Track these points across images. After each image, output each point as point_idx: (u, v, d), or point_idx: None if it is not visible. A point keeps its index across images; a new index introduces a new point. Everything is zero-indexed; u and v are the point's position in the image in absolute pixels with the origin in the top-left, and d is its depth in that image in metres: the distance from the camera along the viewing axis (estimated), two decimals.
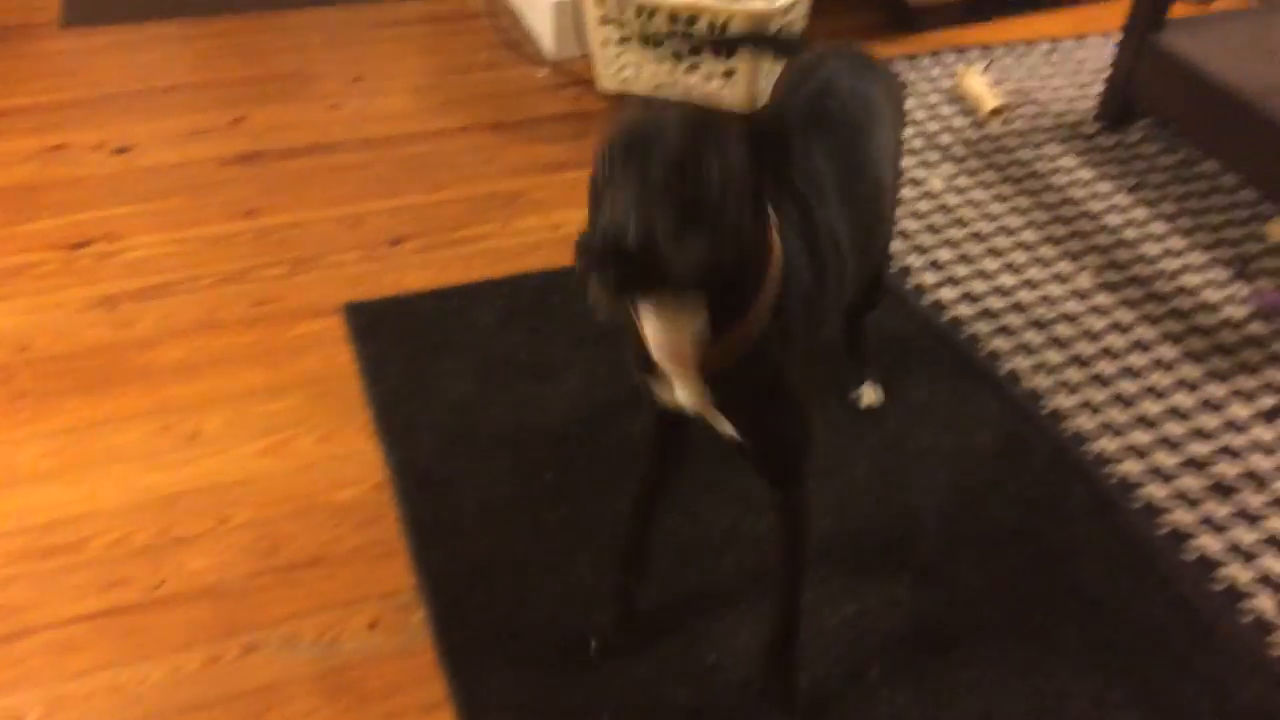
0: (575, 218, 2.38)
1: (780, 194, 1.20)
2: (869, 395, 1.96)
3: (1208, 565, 1.71)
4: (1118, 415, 1.95)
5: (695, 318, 1.14)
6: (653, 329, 1.17)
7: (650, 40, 2.55)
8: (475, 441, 1.87)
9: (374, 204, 2.38)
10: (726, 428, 1.29)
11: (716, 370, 1.20)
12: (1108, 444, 1.90)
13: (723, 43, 2.51)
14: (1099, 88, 2.82)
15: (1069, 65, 2.95)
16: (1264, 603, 1.65)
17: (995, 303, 2.20)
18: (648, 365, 1.26)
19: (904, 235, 2.35)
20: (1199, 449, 1.89)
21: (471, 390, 1.97)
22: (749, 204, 1.10)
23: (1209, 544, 1.73)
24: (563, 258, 2.26)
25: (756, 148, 1.11)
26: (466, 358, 2.03)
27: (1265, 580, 1.68)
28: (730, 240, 1.07)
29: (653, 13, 2.56)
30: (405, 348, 2.04)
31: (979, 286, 2.22)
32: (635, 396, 1.59)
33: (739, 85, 2.63)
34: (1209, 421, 1.95)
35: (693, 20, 2.54)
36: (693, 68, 2.64)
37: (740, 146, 1.09)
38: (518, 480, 1.81)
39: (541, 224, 2.36)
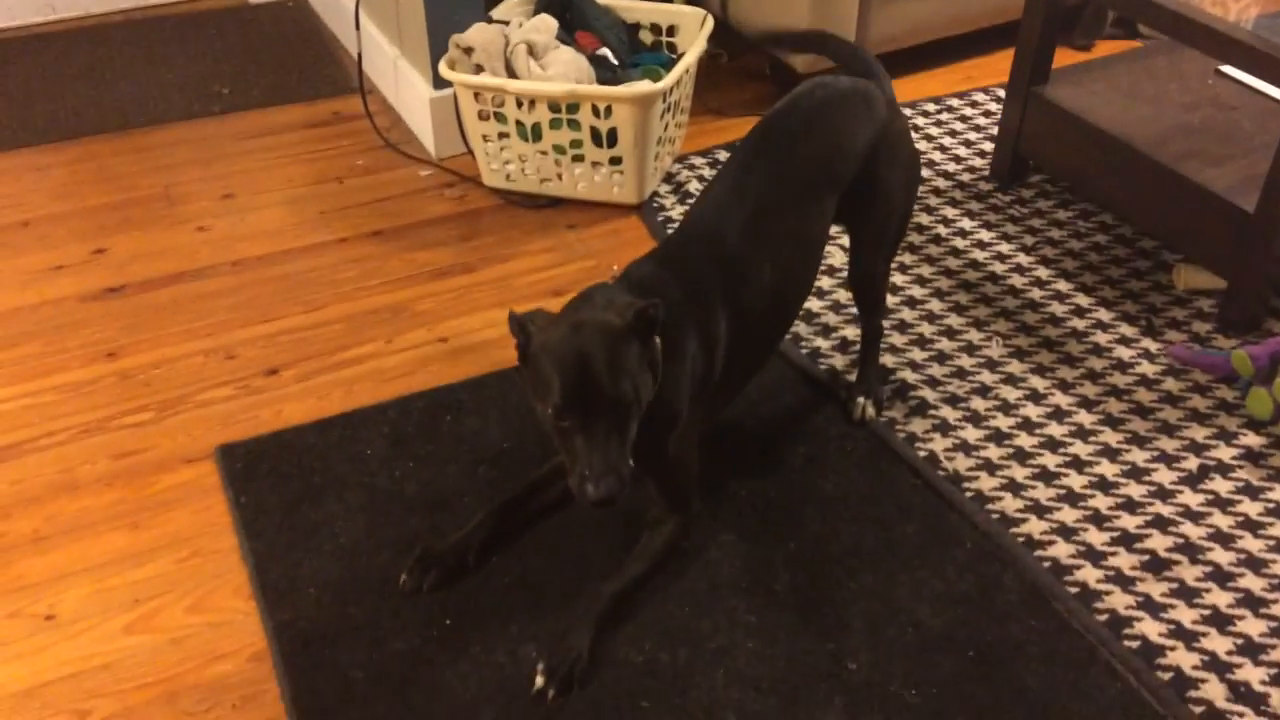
0: (463, 327, 2.26)
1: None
2: (859, 408, 2.01)
3: (1152, 650, 1.61)
4: (1043, 492, 1.87)
5: None
6: None
7: None
8: (365, 592, 1.72)
9: (247, 332, 2.23)
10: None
11: None
12: (1036, 525, 1.81)
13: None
14: (989, 145, 2.79)
15: (956, 123, 2.92)
16: (1213, 689, 1.56)
17: (908, 377, 2.11)
18: None
19: (810, 314, 2.26)
20: (1129, 522, 1.81)
21: (359, 532, 1.82)
22: (649, 379, 1.53)
23: (1150, 628, 1.64)
24: (452, 372, 2.14)
25: (641, 333, 1.50)
26: (352, 496, 1.88)
27: (1211, 664, 1.59)
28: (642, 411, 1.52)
29: (532, 103, 2.47)
30: (285, 492, 1.89)
31: (888, 362, 2.14)
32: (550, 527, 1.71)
33: (627, 174, 2.54)
34: (1136, 490, 1.87)
35: (574, 108, 2.45)
36: (577, 159, 2.55)
37: (634, 348, 1.48)
38: (413, 632, 1.66)
39: (428, 337, 2.23)
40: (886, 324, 2.19)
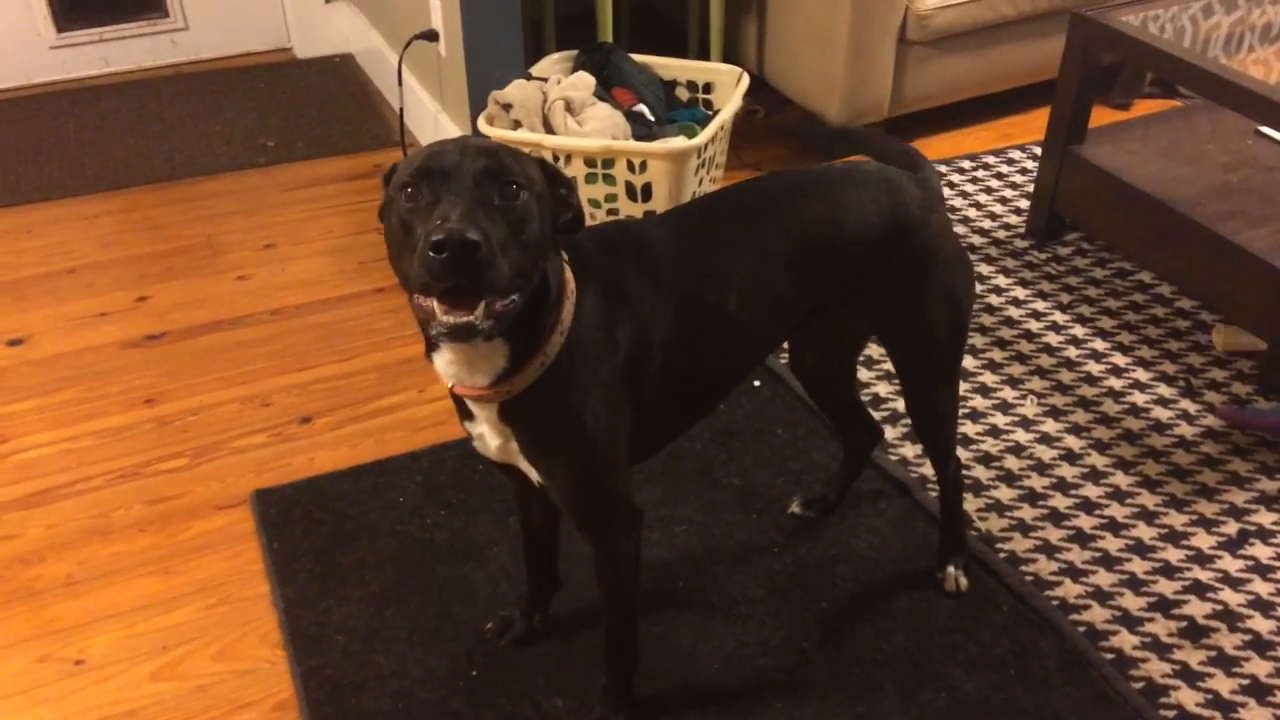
0: None
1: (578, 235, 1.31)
2: (950, 579, 1.77)
3: None
4: (1078, 555, 1.84)
5: (497, 348, 1.21)
6: (454, 353, 1.22)
7: None
8: (392, 640, 1.72)
9: (283, 380, 2.26)
10: (530, 471, 1.35)
11: (511, 400, 1.26)
12: (1071, 588, 1.78)
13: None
14: (1025, 202, 2.79)
15: (992, 181, 2.92)
16: None
17: None
18: (465, 411, 1.35)
19: None
20: (1166, 587, 1.78)
21: (389, 580, 1.82)
22: (548, 223, 1.20)
23: (1187, 698, 1.60)
24: None
25: (549, 178, 1.22)
26: (383, 544, 1.89)
27: None
28: (536, 252, 1.16)
29: (568, 158, 2.50)
30: (317, 538, 1.89)
31: None
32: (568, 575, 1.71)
33: None
34: (1173, 555, 1.84)
35: (610, 163, 2.48)
36: (612, 213, 2.57)
37: (537, 168, 1.20)
38: (439, 682, 1.65)
39: None
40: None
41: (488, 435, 1.33)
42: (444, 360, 1.24)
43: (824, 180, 1.51)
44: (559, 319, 1.24)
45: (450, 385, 1.27)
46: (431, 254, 1.04)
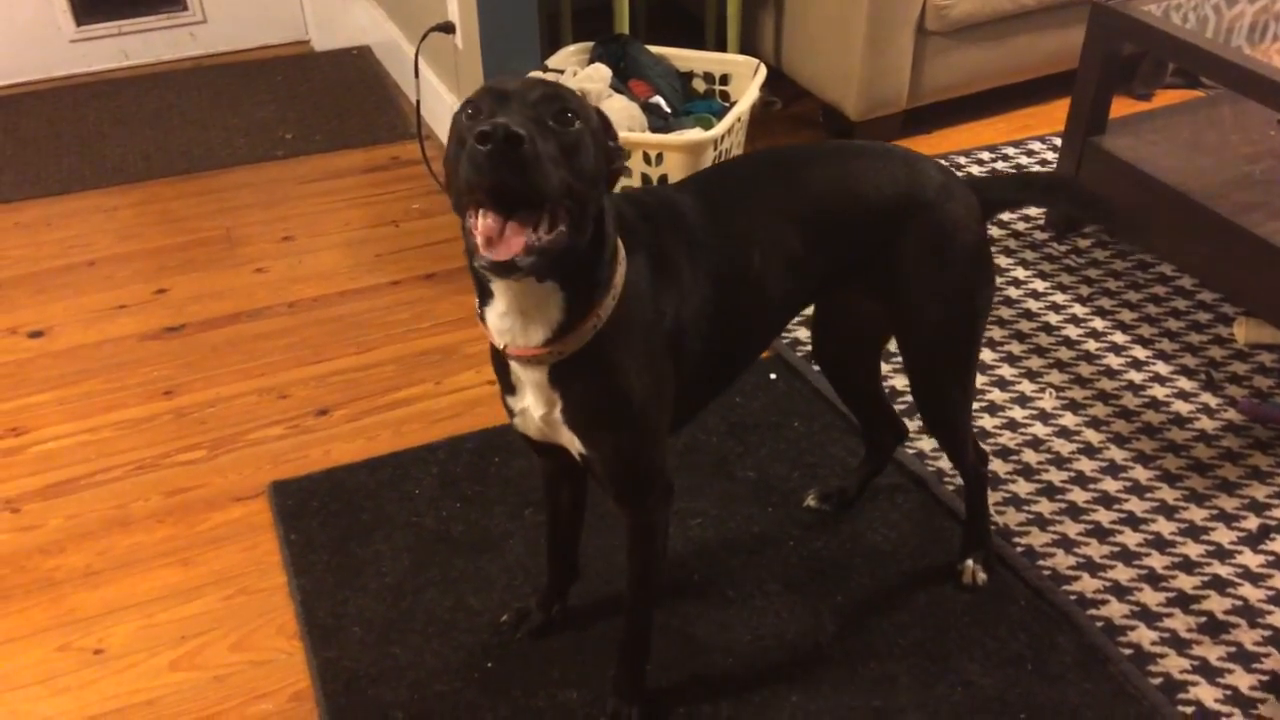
0: None
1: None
2: (968, 572, 1.76)
3: (1208, 717, 1.56)
4: (1097, 550, 1.83)
5: (552, 296, 1.20)
6: (509, 303, 1.20)
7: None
8: (408, 632, 1.72)
9: (300, 372, 2.27)
10: (573, 442, 1.34)
11: (562, 363, 1.25)
12: (1089, 583, 1.77)
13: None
14: None
15: (1011, 172, 2.90)
16: None
17: None
18: (509, 385, 1.35)
19: None
20: (1186, 583, 1.77)
21: (405, 572, 1.83)
22: (602, 164, 1.18)
23: (1206, 693, 1.59)
24: (500, 415, 2.14)
25: (605, 125, 1.21)
26: (399, 536, 1.89)
27: None
28: (586, 183, 1.13)
29: None
30: (334, 529, 1.90)
31: None
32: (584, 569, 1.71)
33: None
34: (1193, 550, 1.82)
35: (624, 155, 2.47)
36: None
37: (594, 112, 1.19)
38: (455, 674, 1.66)
39: (477, 379, 2.25)
40: None
41: (532, 406, 1.32)
42: (497, 314, 1.21)
43: (841, 149, 1.56)
44: (613, 281, 1.24)
45: (502, 346, 1.25)
46: (478, 145, 1.01)
